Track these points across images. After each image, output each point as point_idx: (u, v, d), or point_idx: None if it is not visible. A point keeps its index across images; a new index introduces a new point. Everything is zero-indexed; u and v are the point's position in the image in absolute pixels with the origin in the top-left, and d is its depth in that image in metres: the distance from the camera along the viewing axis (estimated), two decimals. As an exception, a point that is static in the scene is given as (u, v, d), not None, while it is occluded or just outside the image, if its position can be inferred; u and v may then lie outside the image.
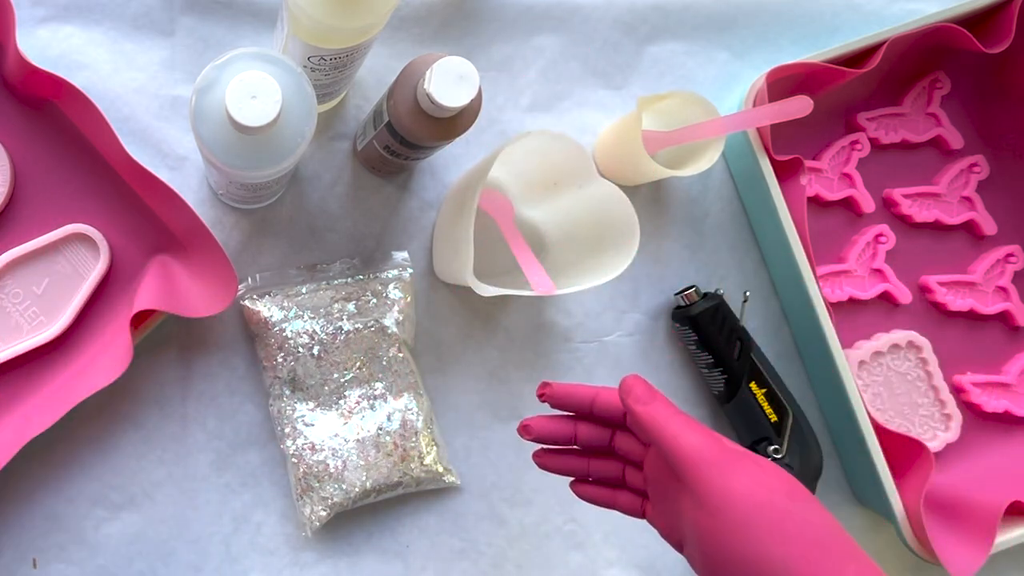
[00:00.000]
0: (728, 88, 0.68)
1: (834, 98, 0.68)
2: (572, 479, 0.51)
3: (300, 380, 0.60)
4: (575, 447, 0.50)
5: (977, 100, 0.71)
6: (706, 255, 0.68)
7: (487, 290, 0.54)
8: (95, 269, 0.59)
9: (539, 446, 0.51)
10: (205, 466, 0.61)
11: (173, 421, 0.61)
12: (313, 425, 0.60)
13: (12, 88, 0.60)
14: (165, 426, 0.61)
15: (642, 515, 0.48)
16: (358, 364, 0.61)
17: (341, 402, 0.61)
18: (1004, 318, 0.69)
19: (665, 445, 0.41)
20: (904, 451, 0.61)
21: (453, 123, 0.53)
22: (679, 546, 0.44)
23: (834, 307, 0.66)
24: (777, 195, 0.62)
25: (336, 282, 0.62)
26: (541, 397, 0.49)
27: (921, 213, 0.69)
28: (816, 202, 0.69)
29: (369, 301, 0.61)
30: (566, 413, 0.49)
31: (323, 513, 0.60)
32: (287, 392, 0.60)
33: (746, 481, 0.39)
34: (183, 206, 0.56)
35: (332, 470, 0.59)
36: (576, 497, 0.51)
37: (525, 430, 0.49)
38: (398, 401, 0.61)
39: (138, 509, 0.61)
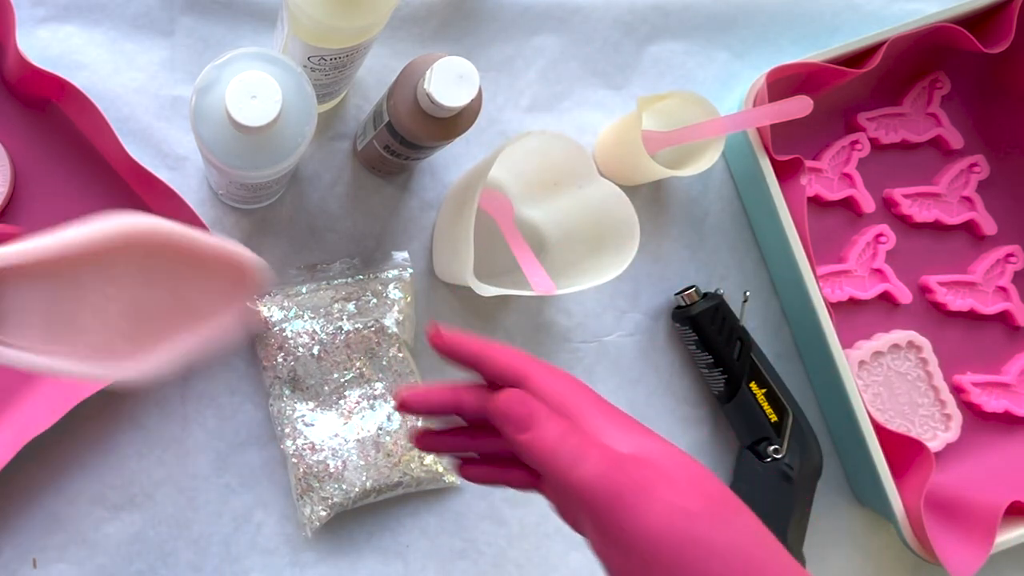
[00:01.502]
0: (728, 88, 0.68)
1: (834, 98, 0.68)
2: (460, 463, 0.44)
3: (300, 380, 0.60)
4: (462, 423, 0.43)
5: (977, 100, 0.71)
6: (706, 255, 0.68)
7: (487, 290, 0.54)
8: (217, 322, 0.40)
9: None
10: (205, 466, 0.61)
11: (173, 421, 0.61)
12: (313, 425, 0.60)
13: (12, 88, 0.60)
14: (165, 426, 0.61)
15: (537, 490, 0.41)
16: (358, 364, 0.61)
17: (341, 402, 0.61)
18: (1004, 318, 0.69)
19: (558, 482, 0.34)
20: (904, 451, 0.61)
21: (453, 123, 0.53)
22: (578, 529, 0.38)
23: (834, 307, 0.66)
24: (777, 195, 0.62)
25: (336, 282, 0.62)
26: (430, 339, 0.40)
27: (921, 213, 0.69)
28: (816, 202, 0.69)
29: (369, 301, 0.61)
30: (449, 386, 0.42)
31: (323, 513, 0.60)
32: (287, 392, 0.60)
33: (660, 515, 0.32)
34: (183, 206, 0.56)
35: (332, 470, 0.59)
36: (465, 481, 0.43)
37: (402, 406, 0.41)
38: (398, 401, 0.61)
39: (138, 509, 0.61)
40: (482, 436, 0.42)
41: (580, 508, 0.34)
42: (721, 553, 0.32)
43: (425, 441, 0.43)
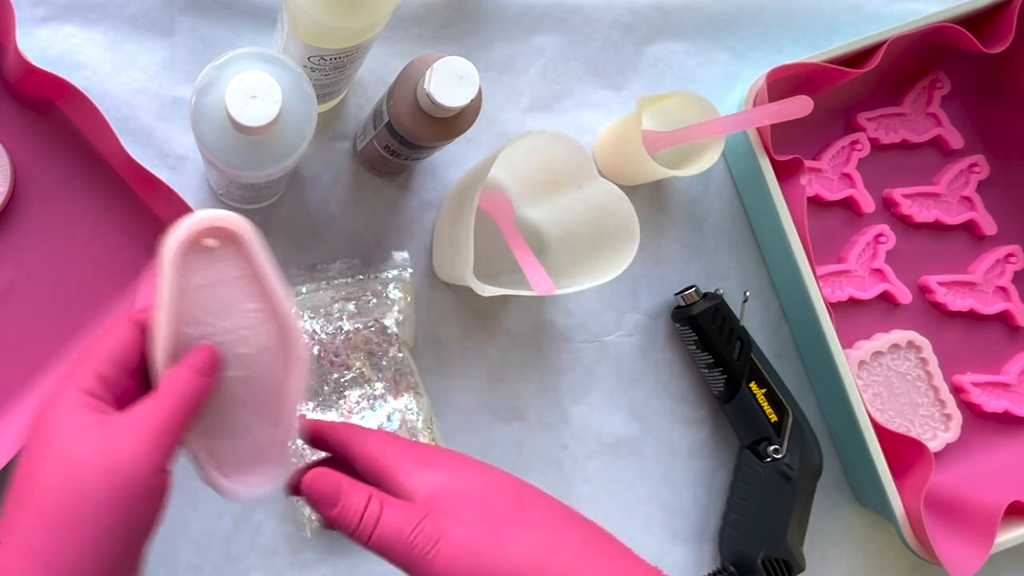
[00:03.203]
0: (728, 88, 0.68)
1: (834, 98, 0.68)
2: None
3: (300, 380, 0.60)
4: None
5: (977, 100, 0.71)
6: (706, 255, 0.68)
7: (487, 290, 0.54)
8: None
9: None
10: (205, 466, 0.61)
11: (173, 421, 0.61)
12: (313, 425, 0.60)
13: (12, 88, 0.60)
14: (165, 426, 0.61)
15: None
16: (358, 364, 0.61)
17: (341, 402, 0.61)
18: (1004, 318, 0.70)
19: (365, 546, 0.37)
20: (904, 451, 0.61)
21: (453, 123, 0.53)
22: None
23: (834, 307, 0.66)
24: (777, 195, 0.62)
25: (336, 282, 0.62)
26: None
27: (921, 213, 0.69)
28: (816, 202, 0.69)
29: (369, 301, 0.61)
30: None
31: (323, 513, 0.60)
32: (287, 392, 0.60)
33: (448, 560, 0.35)
34: (183, 206, 0.56)
35: (332, 470, 0.59)
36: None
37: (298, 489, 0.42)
38: (398, 401, 0.61)
39: (138, 509, 0.61)
40: None
41: (395, 565, 0.37)
42: (510, 569, 0.35)
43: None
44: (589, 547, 0.37)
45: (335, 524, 0.38)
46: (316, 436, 0.42)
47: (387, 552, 0.36)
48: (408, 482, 0.38)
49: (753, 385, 0.63)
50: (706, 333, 0.63)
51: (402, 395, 0.61)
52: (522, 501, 0.38)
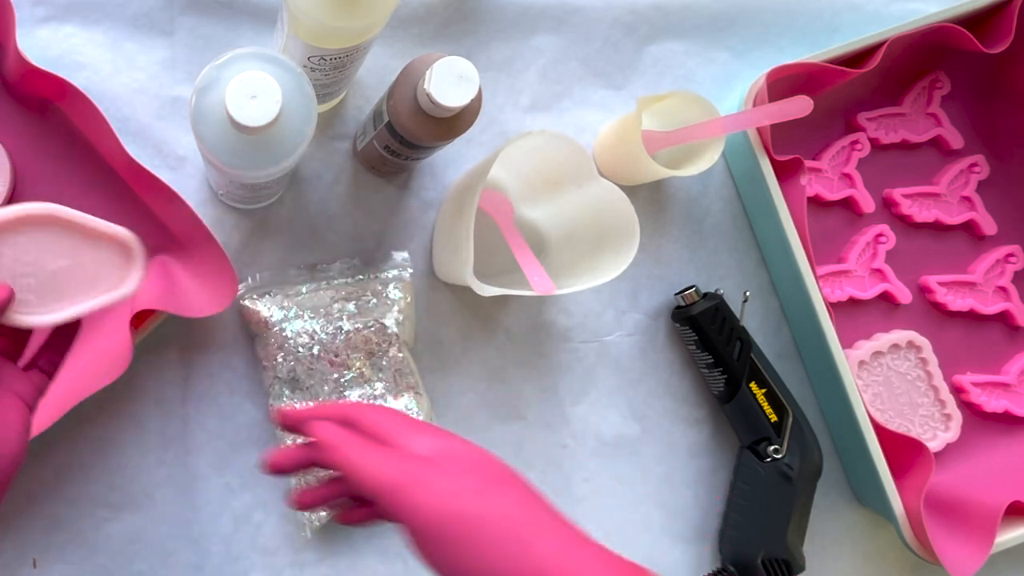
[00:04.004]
0: (728, 88, 0.68)
1: (834, 98, 0.68)
2: (339, 512, 0.51)
3: (300, 380, 0.60)
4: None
5: (977, 100, 0.71)
6: (706, 255, 0.68)
7: (487, 290, 0.54)
8: (116, 291, 0.46)
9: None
10: (205, 466, 0.61)
11: (173, 421, 0.61)
12: (313, 425, 0.60)
13: (12, 88, 0.60)
14: (165, 426, 0.61)
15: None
16: (358, 364, 0.61)
17: (341, 402, 0.61)
18: (1004, 318, 0.70)
19: (362, 488, 0.41)
20: (904, 451, 0.61)
21: (453, 123, 0.53)
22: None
23: (834, 307, 0.66)
24: (777, 195, 0.62)
25: (336, 282, 0.62)
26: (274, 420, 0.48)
27: (921, 213, 0.69)
28: (816, 202, 0.69)
29: (369, 301, 0.61)
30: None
31: (323, 513, 0.60)
32: (287, 392, 0.60)
33: (432, 499, 0.39)
34: (183, 206, 0.55)
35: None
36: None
37: (272, 468, 0.46)
38: (398, 401, 0.61)
39: (138, 509, 0.61)
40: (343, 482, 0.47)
41: (377, 505, 0.40)
42: (484, 523, 0.38)
43: (304, 499, 0.48)
44: (562, 520, 0.40)
45: (338, 467, 0.42)
46: (314, 416, 0.46)
47: (376, 491, 0.40)
48: (409, 444, 0.42)
49: (753, 385, 0.63)
50: (706, 333, 0.63)
51: (402, 395, 0.61)
52: (506, 473, 0.42)
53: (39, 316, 0.46)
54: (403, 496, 0.39)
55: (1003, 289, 0.69)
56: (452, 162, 0.65)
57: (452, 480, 0.40)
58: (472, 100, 0.50)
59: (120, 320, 0.58)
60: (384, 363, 0.61)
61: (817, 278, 0.62)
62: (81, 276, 0.47)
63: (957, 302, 0.68)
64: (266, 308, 0.60)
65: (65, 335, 0.47)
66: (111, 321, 0.60)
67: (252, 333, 0.62)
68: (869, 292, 0.68)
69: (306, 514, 0.60)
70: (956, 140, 0.70)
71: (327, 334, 0.60)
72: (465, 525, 0.38)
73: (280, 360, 0.60)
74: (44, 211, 0.45)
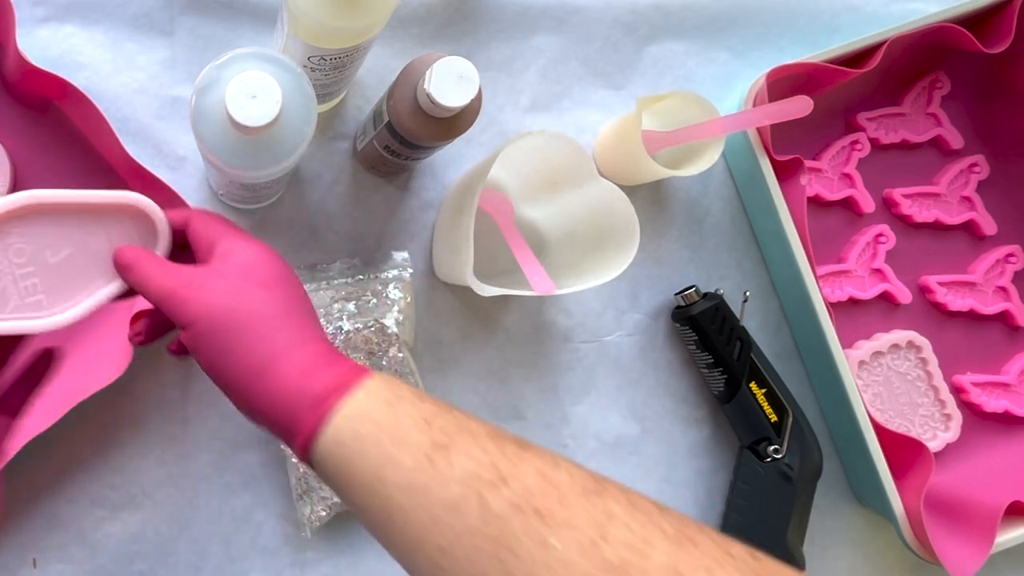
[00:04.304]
0: (728, 88, 0.68)
1: (834, 98, 0.68)
2: (169, 343, 0.51)
3: (300, 380, 0.60)
4: None
5: (977, 100, 0.71)
6: (706, 255, 0.68)
7: (487, 290, 0.54)
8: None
9: None
10: (205, 466, 0.61)
11: (173, 421, 0.61)
12: (313, 425, 0.60)
13: (12, 88, 0.60)
14: (165, 426, 0.61)
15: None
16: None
17: (341, 402, 0.61)
18: (1004, 318, 0.70)
19: (148, 297, 0.43)
20: (904, 451, 0.61)
21: (453, 123, 0.53)
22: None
23: (834, 307, 0.66)
24: (777, 195, 0.62)
25: (336, 282, 0.62)
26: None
27: (921, 213, 0.69)
28: (816, 202, 0.69)
29: (369, 301, 0.61)
30: None
31: (323, 513, 0.60)
32: (287, 392, 0.60)
33: (201, 294, 0.41)
34: (183, 206, 0.55)
35: (332, 470, 0.59)
36: None
37: (136, 336, 0.48)
38: (398, 401, 0.61)
39: (138, 509, 0.61)
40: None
41: (165, 313, 0.42)
42: (236, 316, 0.41)
43: (134, 326, 0.48)
44: (310, 322, 0.43)
45: (134, 285, 0.43)
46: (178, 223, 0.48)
47: (159, 300, 0.42)
48: (212, 249, 0.44)
49: (753, 385, 0.63)
50: (706, 333, 0.63)
51: (402, 395, 0.61)
52: (279, 276, 0.43)
53: (56, 316, 0.43)
54: (177, 298, 0.41)
55: (1003, 289, 0.69)
56: (452, 162, 0.65)
57: (223, 280, 0.42)
58: (472, 100, 0.50)
59: (120, 320, 0.58)
60: (384, 363, 0.61)
61: (817, 278, 0.62)
62: (91, 260, 0.43)
63: (957, 302, 0.68)
64: (266, 308, 0.60)
65: (35, 372, 0.47)
66: (111, 321, 0.60)
67: (252, 333, 0.62)
68: (869, 292, 0.68)
69: (306, 514, 0.60)
70: (956, 140, 0.70)
71: (327, 334, 0.60)
72: (222, 319, 0.40)
73: (280, 360, 0.60)
74: (26, 201, 0.40)
